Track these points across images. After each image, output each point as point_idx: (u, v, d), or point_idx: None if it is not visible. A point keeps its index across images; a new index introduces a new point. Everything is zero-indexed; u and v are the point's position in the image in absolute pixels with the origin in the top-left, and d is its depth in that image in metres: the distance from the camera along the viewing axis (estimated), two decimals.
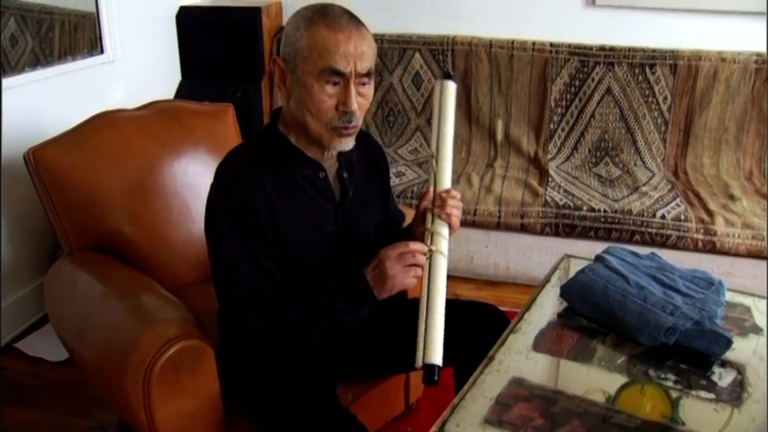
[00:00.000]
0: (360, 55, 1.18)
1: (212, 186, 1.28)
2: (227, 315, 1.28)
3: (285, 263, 1.30)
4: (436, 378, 1.16)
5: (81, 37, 2.45)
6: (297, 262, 1.32)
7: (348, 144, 1.27)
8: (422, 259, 1.23)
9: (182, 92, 2.96)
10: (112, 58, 2.58)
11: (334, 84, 1.19)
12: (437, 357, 1.17)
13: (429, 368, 1.17)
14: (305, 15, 1.20)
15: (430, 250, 1.25)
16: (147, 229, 1.72)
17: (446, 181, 1.34)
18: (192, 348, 1.30)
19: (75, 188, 1.64)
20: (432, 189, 1.33)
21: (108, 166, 1.68)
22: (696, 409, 1.21)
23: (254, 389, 1.38)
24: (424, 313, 1.22)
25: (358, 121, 1.24)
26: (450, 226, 1.29)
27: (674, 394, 1.24)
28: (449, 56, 3.05)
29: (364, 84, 1.23)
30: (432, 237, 1.28)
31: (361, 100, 1.23)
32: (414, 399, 1.91)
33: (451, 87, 1.36)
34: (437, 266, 1.24)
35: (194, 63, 3.00)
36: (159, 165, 1.76)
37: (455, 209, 1.30)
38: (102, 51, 2.54)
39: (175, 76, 3.02)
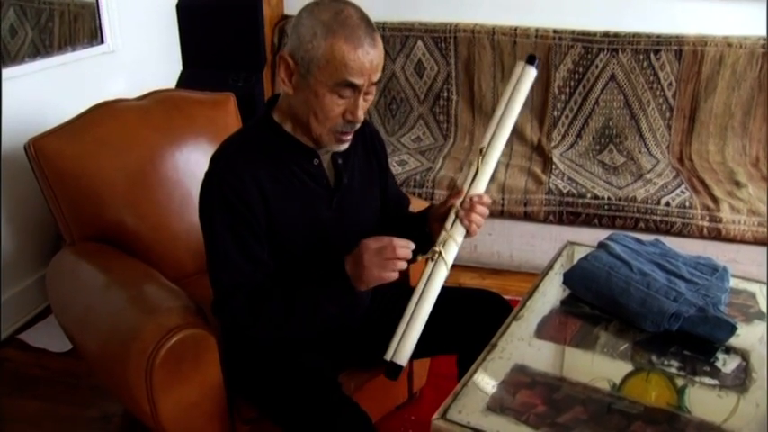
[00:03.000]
0: (375, 68, 1.19)
1: (206, 175, 1.28)
2: (216, 302, 1.29)
3: (282, 250, 1.30)
4: (396, 378, 1.21)
5: (81, 27, 2.43)
6: (293, 249, 1.32)
7: (344, 146, 1.29)
8: (404, 253, 1.20)
9: (183, 81, 2.95)
10: (113, 48, 2.57)
11: (345, 95, 1.20)
12: (404, 359, 1.20)
13: (394, 366, 1.21)
14: (322, 21, 1.16)
15: (439, 253, 1.24)
16: (149, 218, 1.72)
17: (483, 183, 1.30)
18: (194, 337, 1.29)
19: (77, 178, 1.64)
20: (466, 188, 1.30)
21: (109, 156, 1.68)
22: (701, 397, 1.20)
23: (256, 377, 1.38)
24: (410, 312, 1.23)
25: (358, 125, 1.25)
26: (468, 232, 1.28)
27: (680, 382, 1.23)
28: (451, 43, 3.03)
29: (371, 89, 1.24)
30: (446, 241, 1.26)
31: (366, 104, 1.24)
32: (417, 387, 1.91)
33: (531, 74, 1.30)
34: (436, 273, 1.24)
35: (195, 52, 2.98)
36: (160, 154, 1.76)
37: (480, 217, 1.28)
38: (102, 41, 2.53)
39: (176, 66, 3.00)
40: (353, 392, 1.51)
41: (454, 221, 1.28)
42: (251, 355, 1.39)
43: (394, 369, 1.21)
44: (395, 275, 1.21)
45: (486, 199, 1.29)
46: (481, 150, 1.30)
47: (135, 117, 1.77)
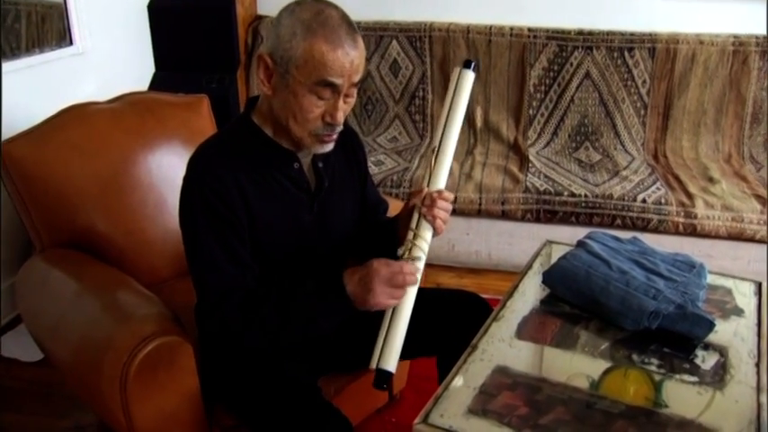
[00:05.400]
0: (355, 69, 1.17)
1: (185, 179, 1.25)
2: (203, 308, 1.26)
3: (262, 255, 1.28)
4: (386, 386, 1.16)
5: (49, 28, 2.38)
6: (274, 254, 1.30)
7: (328, 148, 1.26)
8: (412, 280, 1.20)
9: (155, 83, 2.91)
10: (82, 50, 2.52)
11: (325, 96, 1.18)
12: (391, 365, 1.16)
13: (382, 373, 1.17)
14: (302, 20, 1.14)
15: (409, 248, 1.24)
16: (122, 224, 1.68)
17: (441, 180, 1.30)
18: (170, 345, 1.27)
19: (46, 183, 1.60)
20: (425, 186, 1.30)
21: (80, 161, 1.64)
22: (679, 392, 1.21)
23: (234, 384, 1.36)
24: (389, 318, 1.21)
25: (341, 127, 1.23)
26: (434, 229, 1.27)
27: (657, 378, 1.23)
28: (426, 43, 3.02)
29: (352, 91, 1.22)
30: (413, 239, 1.25)
31: (346, 107, 1.22)
32: (397, 389, 1.91)
33: (469, 78, 1.32)
34: None
35: (168, 54, 2.94)
36: (133, 158, 1.72)
37: (443, 211, 1.27)
38: (71, 43, 2.48)
39: (149, 68, 2.96)
40: (333, 397, 1.49)
41: (419, 219, 1.27)
42: (229, 361, 1.37)
43: (382, 377, 1.17)
44: (395, 303, 1.21)
45: (447, 194, 1.29)
46: (434, 150, 1.31)
47: (106, 120, 1.74)
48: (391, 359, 1.18)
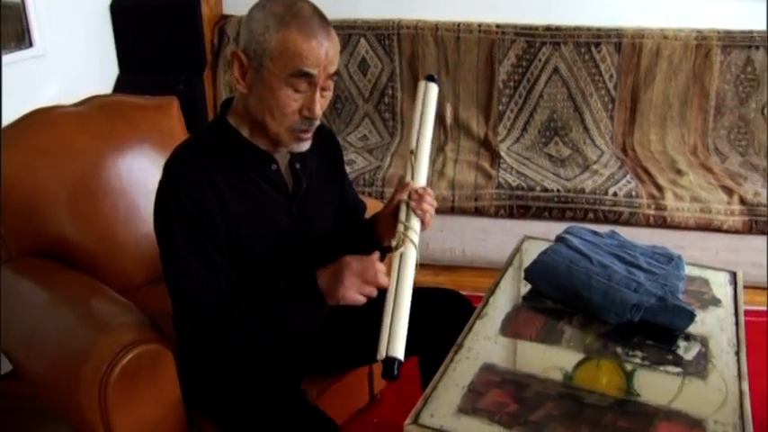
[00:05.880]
0: (330, 60, 1.17)
1: (160, 184, 1.22)
2: (177, 314, 1.23)
3: (240, 258, 1.26)
4: (396, 373, 1.13)
5: (6, 30, 2.30)
6: (252, 257, 1.28)
7: (306, 145, 1.25)
8: (383, 281, 1.19)
9: (120, 85, 2.84)
10: (43, 52, 2.44)
11: (301, 88, 1.17)
12: (399, 352, 1.14)
13: (390, 362, 1.14)
14: (274, 13, 1.14)
15: (402, 240, 1.23)
16: (94, 230, 1.64)
17: (422, 178, 1.34)
18: (150, 353, 1.23)
19: (12, 191, 1.54)
20: (410, 182, 1.31)
21: (47, 166, 1.59)
22: (665, 384, 1.22)
23: (217, 391, 1.33)
24: (391, 305, 1.19)
25: (318, 122, 1.22)
26: (422, 222, 1.28)
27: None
28: (395, 40, 3.01)
29: (328, 84, 1.21)
30: (405, 231, 1.25)
31: (324, 101, 1.21)
32: (378, 389, 1.89)
33: (434, 90, 1.40)
34: (407, 259, 1.21)
35: (132, 55, 2.87)
36: (103, 162, 1.68)
37: (430, 206, 1.29)
38: (30, 44, 2.39)
39: (112, 70, 2.89)
40: (316, 399, 1.47)
41: (407, 213, 1.28)
42: (210, 368, 1.34)
43: (391, 365, 1.13)
44: (364, 300, 1.19)
45: (430, 190, 1.31)
46: (412, 152, 1.35)
47: (73, 124, 1.69)
48: (399, 345, 1.14)
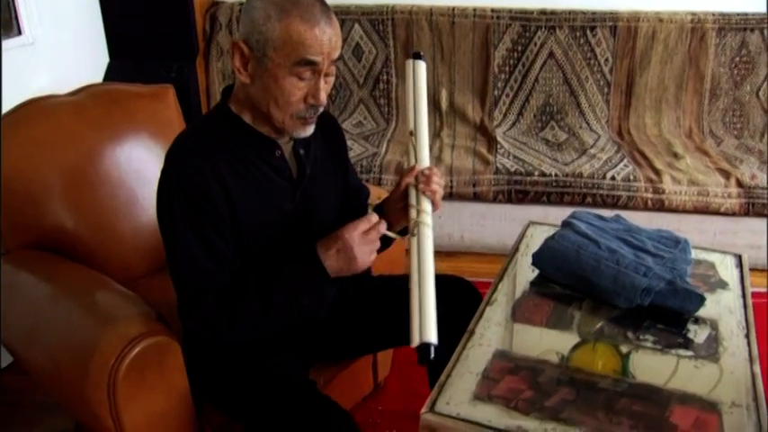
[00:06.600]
0: (334, 46, 1.16)
1: (163, 172, 1.20)
2: (183, 305, 1.22)
3: (244, 245, 1.24)
4: (432, 356, 1.11)
5: None
6: (256, 244, 1.26)
7: (311, 129, 1.24)
8: (382, 228, 1.21)
9: (111, 74, 2.79)
10: (32, 40, 2.39)
11: (305, 76, 1.15)
12: (432, 336, 1.11)
13: (425, 347, 1.11)
14: (275, 2, 1.12)
15: (417, 224, 1.22)
16: (92, 220, 1.61)
17: (425, 158, 1.33)
18: (158, 345, 1.22)
19: (9, 182, 1.51)
20: (416, 165, 1.30)
21: (44, 157, 1.56)
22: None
23: (225, 382, 1.32)
24: (417, 290, 1.17)
25: (322, 107, 1.22)
26: (433, 203, 1.27)
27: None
28: (389, 25, 2.98)
29: (331, 70, 1.19)
30: (417, 215, 1.24)
31: (327, 86, 1.20)
32: (382, 377, 1.89)
33: (422, 66, 1.39)
34: (425, 242, 1.20)
35: (122, 42, 2.82)
36: (100, 152, 1.64)
37: (439, 186, 1.28)
38: (19, 32, 2.34)
39: (103, 58, 2.83)
40: (323, 388, 1.46)
41: (417, 196, 1.27)
42: (217, 358, 1.33)
43: (427, 349, 1.10)
44: (375, 258, 1.21)
45: (436, 170, 1.31)
46: (411, 133, 1.35)
47: (69, 114, 1.65)
48: (431, 329, 1.12)
